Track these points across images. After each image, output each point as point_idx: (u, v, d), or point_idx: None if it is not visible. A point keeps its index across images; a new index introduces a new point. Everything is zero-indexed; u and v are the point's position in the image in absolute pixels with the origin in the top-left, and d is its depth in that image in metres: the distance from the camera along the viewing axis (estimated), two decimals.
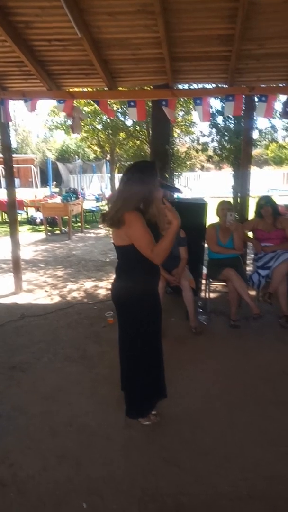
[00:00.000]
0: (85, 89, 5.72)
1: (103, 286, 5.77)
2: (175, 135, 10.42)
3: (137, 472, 2.24)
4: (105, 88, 5.10)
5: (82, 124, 5.21)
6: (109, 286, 5.71)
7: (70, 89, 5.20)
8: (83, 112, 5.55)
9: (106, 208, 15.44)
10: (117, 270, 2.52)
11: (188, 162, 10.42)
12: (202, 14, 3.75)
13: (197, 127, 11.57)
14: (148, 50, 4.36)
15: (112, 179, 13.82)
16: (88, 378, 3.26)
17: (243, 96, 4.76)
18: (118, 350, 2.67)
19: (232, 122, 8.65)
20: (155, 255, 2.26)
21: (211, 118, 8.89)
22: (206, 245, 4.86)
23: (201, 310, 4.69)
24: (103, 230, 11.27)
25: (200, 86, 5.92)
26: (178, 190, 2.35)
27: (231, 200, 6.81)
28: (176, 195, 2.45)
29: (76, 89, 5.36)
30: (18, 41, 4.13)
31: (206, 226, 4.76)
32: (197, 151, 9.35)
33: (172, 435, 2.55)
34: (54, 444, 2.49)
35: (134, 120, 10.18)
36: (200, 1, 3.55)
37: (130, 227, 2.23)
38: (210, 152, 8.94)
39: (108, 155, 13.62)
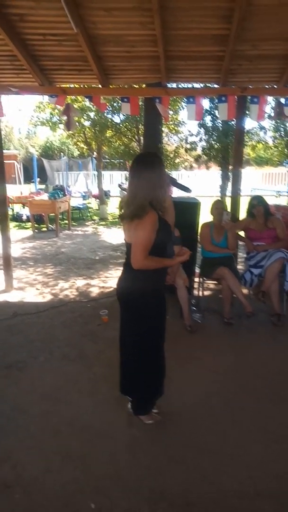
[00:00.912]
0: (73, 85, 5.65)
1: (95, 284, 5.74)
2: (163, 134, 10.41)
3: (144, 471, 2.24)
4: (97, 85, 5.06)
5: None
6: (101, 284, 5.72)
7: (63, 85, 5.15)
8: (77, 109, 5.51)
9: (92, 206, 15.36)
10: (124, 266, 2.50)
11: (177, 161, 10.43)
12: (199, 13, 3.77)
13: (186, 127, 11.65)
14: (143, 47, 4.35)
15: (99, 177, 13.71)
16: (86, 377, 3.24)
17: (236, 97, 4.79)
18: (115, 349, 2.66)
19: (220, 122, 8.71)
20: (141, 264, 2.26)
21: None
22: (198, 243, 4.89)
23: (194, 308, 4.72)
24: (90, 228, 11.21)
25: (190, 85, 5.96)
26: (188, 189, 2.32)
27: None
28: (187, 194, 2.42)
29: (68, 86, 5.31)
30: (12, 35, 4.06)
31: (200, 225, 4.78)
32: (186, 150, 9.39)
33: (175, 434, 2.56)
34: (57, 444, 2.47)
35: (125, 115, 10.15)
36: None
37: (141, 223, 2.20)
38: (199, 152, 8.99)
39: (95, 153, 13.50)
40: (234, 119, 5.53)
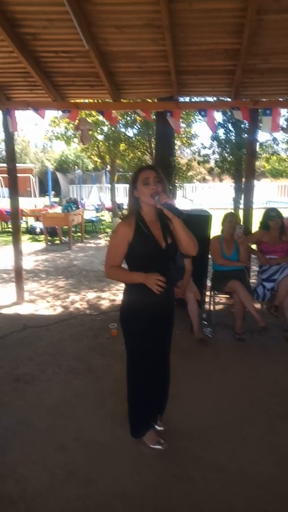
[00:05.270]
0: (87, 101, 5.76)
1: (106, 297, 5.73)
2: (176, 147, 10.48)
3: (150, 489, 2.18)
4: (109, 100, 5.13)
5: None
6: (112, 297, 5.71)
7: (75, 100, 5.24)
8: (90, 123, 5.59)
9: (106, 218, 15.46)
10: None
11: (189, 174, 10.45)
12: (209, 29, 3.80)
13: (198, 139, 11.69)
14: (154, 63, 4.40)
15: (112, 190, 13.83)
16: (93, 391, 3.21)
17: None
18: (123, 363, 2.62)
19: (233, 134, 8.71)
20: (106, 273, 2.28)
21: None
22: (210, 256, 4.84)
23: (205, 322, 4.66)
24: (103, 241, 11.26)
25: (202, 99, 6.01)
26: (182, 214, 2.10)
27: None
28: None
29: (80, 101, 5.40)
30: (25, 53, 4.16)
31: (210, 238, 4.74)
32: (198, 163, 9.42)
33: (183, 451, 2.49)
34: (62, 459, 2.43)
35: (137, 129, 10.26)
36: (207, 16, 3.60)
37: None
38: (212, 164, 8.99)
39: (109, 166, 13.66)
40: (245, 129, 5.50)
